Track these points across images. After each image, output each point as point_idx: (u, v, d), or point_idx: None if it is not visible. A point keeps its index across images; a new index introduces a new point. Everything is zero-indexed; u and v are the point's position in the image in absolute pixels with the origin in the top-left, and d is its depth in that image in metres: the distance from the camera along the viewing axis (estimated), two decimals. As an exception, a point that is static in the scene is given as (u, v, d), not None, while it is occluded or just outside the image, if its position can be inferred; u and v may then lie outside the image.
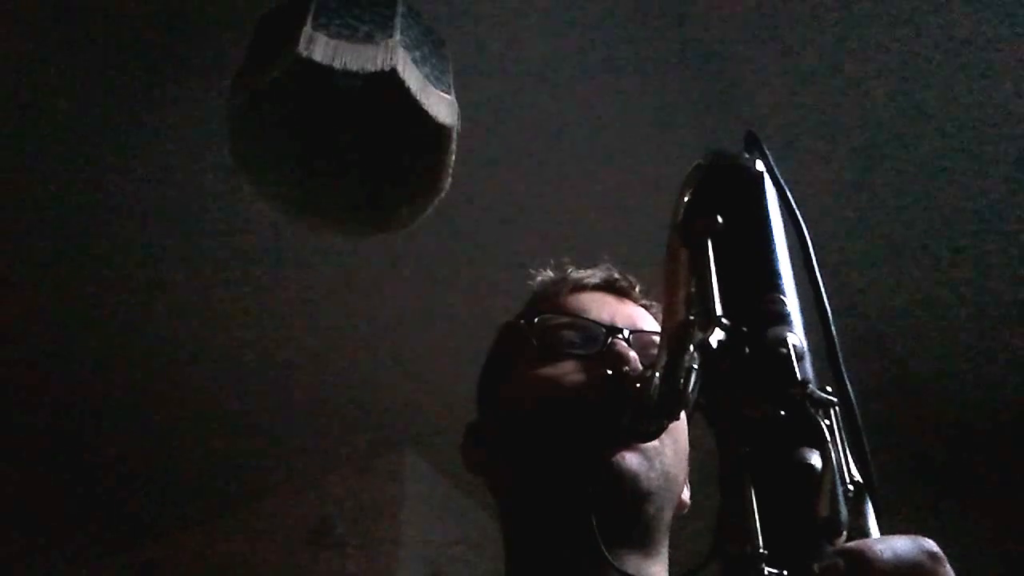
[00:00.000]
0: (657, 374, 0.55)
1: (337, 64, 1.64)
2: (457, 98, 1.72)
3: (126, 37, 1.90)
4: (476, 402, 0.93)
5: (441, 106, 1.72)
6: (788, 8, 1.85)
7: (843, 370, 0.52)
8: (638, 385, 0.63)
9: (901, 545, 0.45)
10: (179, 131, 2.07)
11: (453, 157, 1.75)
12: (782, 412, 0.49)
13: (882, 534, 0.48)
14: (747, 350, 0.52)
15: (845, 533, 0.46)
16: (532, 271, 0.94)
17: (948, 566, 0.46)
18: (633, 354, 0.78)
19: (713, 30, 1.89)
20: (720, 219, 0.58)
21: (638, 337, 0.81)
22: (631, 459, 0.74)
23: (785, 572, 0.45)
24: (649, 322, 0.86)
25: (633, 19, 1.88)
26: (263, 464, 2.82)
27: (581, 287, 0.89)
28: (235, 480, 2.85)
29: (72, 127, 2.06)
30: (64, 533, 3.05)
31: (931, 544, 0.46)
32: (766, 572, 0.45)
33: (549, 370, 0.81)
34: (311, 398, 2.66)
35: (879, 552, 0.44)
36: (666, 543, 0.80)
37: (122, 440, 2.79)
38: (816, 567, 0.44)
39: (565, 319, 0.84)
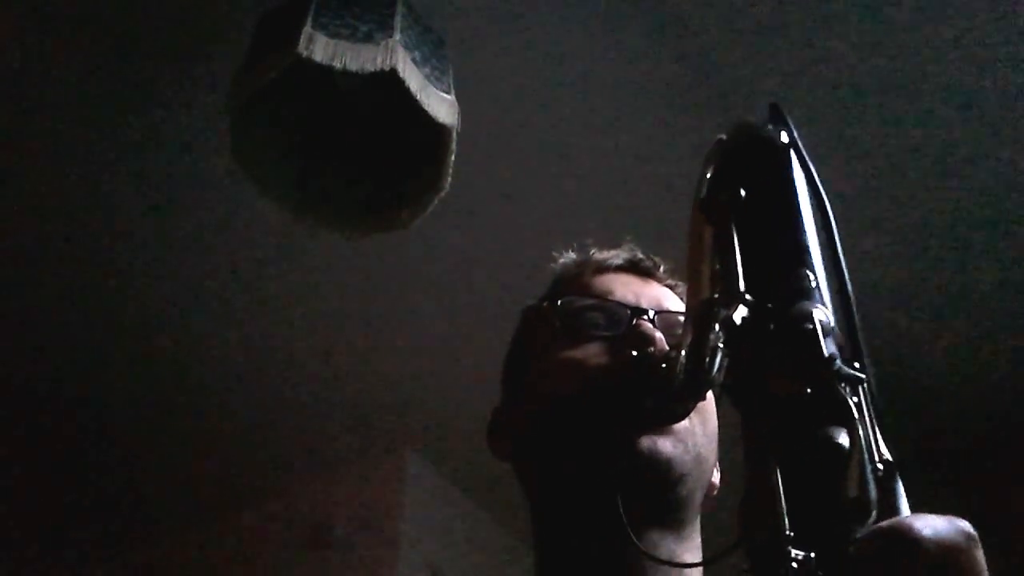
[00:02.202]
0: (682, 354, 0.54)
1: (337, 64, 1.64)
2: (457, 98, 1.72)
3: (126, 37, 1.90)
4: (501, 386, 0.91)
5: (441, 106, 1.72)
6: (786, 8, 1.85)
7: (863, 347, 0.51)
8: (663, 366, 0.61)
9: (940, 525, 0.44)
10: (179, 131, 2.06)
11: (453, 157, 1.75)
12: (808, 390, 0.48)
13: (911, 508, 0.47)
14: (772, 327, 0.51)
15: (875, 513, 0.45)
16: (555, 253, 0.93)
17: (980, 548, 0.45)
18: (659, 335, 0.77)
19: (712, 25, 1.89)
20: (743, 193, 0.56)
21: (663, 317, 0.80)
22: (663, 443, 0.73)
23: (812, 554, 0.44)
24: (674, 302, 0.85)
25: (632, 16, 1.88)
26: (263, 464, 2.81)
27: (604, 268, 0.88)
28: (235, 480, 2.84)
29: (72, 127, 2.05)
30: (64, 533, 3.03)
31: (967, 525, 0.45)
32: (793, 554, 0.44)
33: (574, 353, 0.79)
34: (311, 398, 2.65)
35: (919, 531, 0.43)
36: (697, 525, 0.79)
37: (122, 440, 2.78)
38: (853, 547, 0.43)
39: (589, 301, 0.83)
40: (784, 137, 0.59)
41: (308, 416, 2.70)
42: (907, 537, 0.43)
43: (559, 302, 0.84)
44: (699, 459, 0.76)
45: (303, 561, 2.70)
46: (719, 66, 1.95)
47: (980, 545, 0.45)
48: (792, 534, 0.45)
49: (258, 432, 2.74)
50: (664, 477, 0.73)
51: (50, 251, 2.31)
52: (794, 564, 0.44)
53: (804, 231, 0.56)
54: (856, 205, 2.16)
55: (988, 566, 0.45)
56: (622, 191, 2.19)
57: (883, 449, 0.48)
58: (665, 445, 0.73)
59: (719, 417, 0.81)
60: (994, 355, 2.48)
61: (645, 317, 0.79)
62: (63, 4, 1.85)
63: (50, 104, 2.01)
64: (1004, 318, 2.40)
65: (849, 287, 0.53)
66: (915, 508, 0.46)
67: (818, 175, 0.58)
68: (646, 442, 0.72)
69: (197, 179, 2.15)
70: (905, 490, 0.46)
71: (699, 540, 0.79)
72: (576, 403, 0.77)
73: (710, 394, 0.65)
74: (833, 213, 0.57)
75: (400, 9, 1.73)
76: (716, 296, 0.54)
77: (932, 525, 0.44)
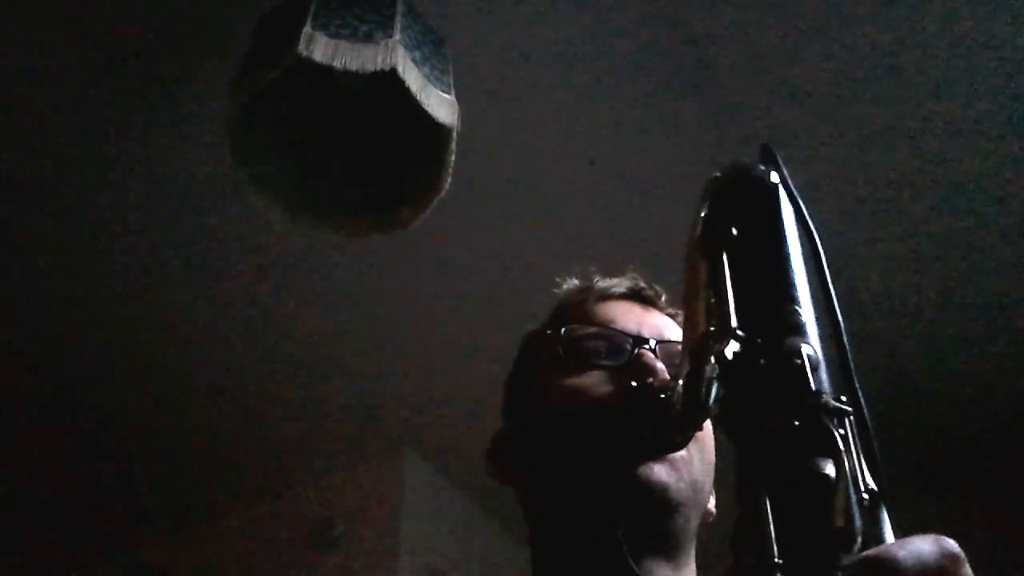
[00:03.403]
0: (680, 384, 0.55)
1: (337, 64, 1.64)
2: (457, 98, 1.72)
3: (126, 37, 1.90)
4: (501, 411, 0.92)
5: (441, 106, 1.72)
6: (791, 23, 1.85)
7: (855, 380, 0.52)
8: (662, 396, 0.62)
9: (923, 548, 0.45)
10: (179, 131, 2.06)
11: (453, 157, 1.75)
12: (796, 422, 0.49)
13: (896, 536, 0.47)
14: (762, 361, 0.52)
15: (860, 541, 0.46)
16: (557, 279, 0.94)
17: (967, 566, 0.46)
18: (660, 365, 0.78)
19: (715, 26, 1.89)
20: (735, 230, 0.58)
21: (664, 347, 0.81)
22: (659, 471, 0.74)
23: None
24: (675, 331, 0.86)
25: (634, 19, 1.88)
26: (263, 464, 2.82)
27: (607, 296, 0.89)
28: (235, 480, 2.85)
29: (72, 127, 2.05)
30: (64, 533, 3.04)
31: (952, 544, 0.46)
32: (781, 582, 0.45)
33: (576, 380, 0.80)
34: (312, 398, 2.66)
35: (903, 558, 0.44)
36: (693, 553, 0.80)
37: (122, 440, 2.79)
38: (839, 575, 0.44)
39: (592, 329, 0.84)
40: (774, 177, 0.60)
41: (308, 416, 2.71)
42: (888, 566, 0.44)
43: (562, 330, 0.85)
44: (695, 487, 0.77)
45: (303, 561, 2.72)
46: (721, 67, 1.95)
47: (965, 563, 0.46)
48: (780, 561, 0.45)
49: (258, 432, 2.75)
50: (661, 505, 0.74)
51: (51, 251, 2.31)
52: (782, 592, 0.45)
53: (793, 268, 0.57)
54: (856, 215, 2.17)
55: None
56: (622, 190, 2.19)
57: (868, 479, 0.49)
58: (661, 473, 0.74)
59: (717, 446, 0.82)
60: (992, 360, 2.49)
61: (647, 347, 0.80)
62: (63, 5, 1.85)
63: (49, 106, 2.02)
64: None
65: (840, 321, 0.54)
66: (904, 524, 0.47)
67: (807, 208, 0.59)
68: (643, 470, 0.73)
69: (197, 179, 2.16)
70: (896, 509, 0.47)
71: (694, 567, 0.80)
72: (577, 431, 0.78)
73: (708, 424, 0.66)
74: (823, 244, 0.58)
75: (400, 9, 1.72)
76: (712, 329, 0.56)
77: (915, 551, 0.44)
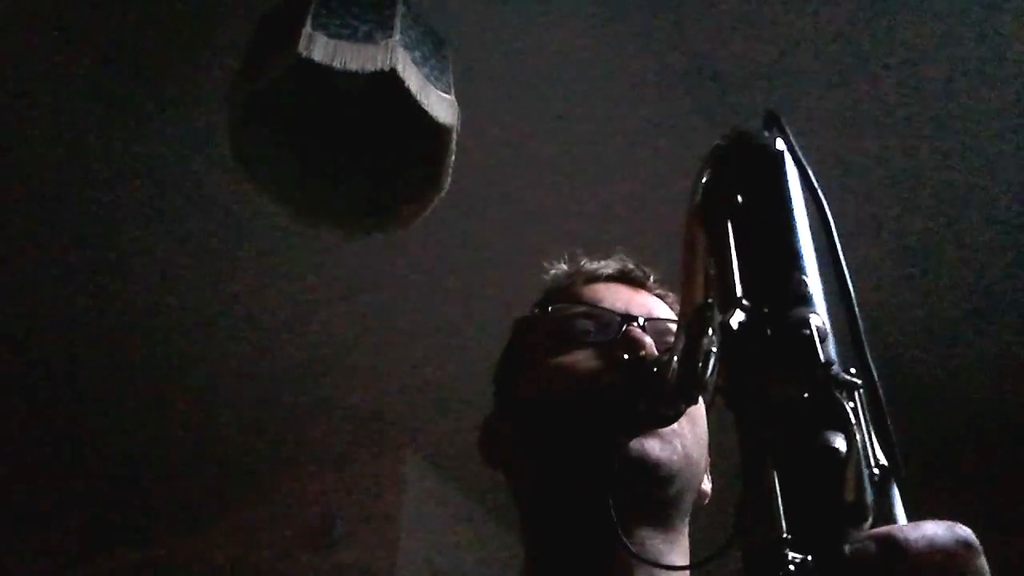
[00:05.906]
0: (675, 358, 0.54)
1: (337, 64, 1.64)
2: (457, 98, 1.72)
3: (126, 37, 1.90)
4: (492, 396, 0.92)
5: (441, 106, 1.72)
6: (789, 14, 1.86)
7: (867, 351, 0.51)
8: (655, 369, 0.62)
9: (935, 532, 0.44)
10: (179, 131, 2.06)
11: (453, 157, 1.75)
12: (805, 395, 0.48)
13: (909, 518, 0.47)
14: (769, 332, 0.51)
15: (871, 518, 0.45)
16: (546, 264, 0.93)
17: (982, 556, 0.44)
18: (648, 339, 0.77)
19: (712, 28, 1.89)
20: (739, 198, 0.57)
21: (653, 324, 0.81)
22: (651, 445, 0.74)
23: (809, 557, 0.44)
24: (665, 311, 0.86)
25: (633, 19, 1.88)
26: (263, 464, 2.81)
27: (595, 277, 0.89)
28: (235, 480, 2.85)
29: (72, 128, 2.05)
30: (64, 533, 3.04)
31: (966, 531, 0.44)
32: (790, 557, 0.44)
33: (565, 358, 0.80)
34: (312, 398, 2.66)
35: (913, 539, 0.43)
36: (686, 529, 0.80)
37: (122, 440, 2.78)
38: (847, 549, 0.43)
39: (579, 308, 0.84)
40: (780, 143, 0.59)
41: (308, 416, 2.70)
42: (898, 544, 0.43)
43: (549, 309, 0.85)
44: (688, 460, 0.77)
45: (303, 560, 2.71)
46: (722, 67, 1.95)
47: (981, 553, 0.44)
48: (789, 537, 0.45)
49: (258, 432, 2.74)
50: (653, 478, 0.74)
51: (50, 251, 2.31)
52: (791, 567, 0.44)
53: (799, 237, 0.56)
54: (854, 210, 2.17)
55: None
56: (622, 190, 2.19)
57: (879, 454, 0.48)
58: (654, 448, 0.74)
59: (713, 424, 0.81)
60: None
61: (635, 323, 0.80)
62: (64, 5, 1.85)
63: (49, 106, 2.01)
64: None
65: (852, 290, 0.53)
66: (914, 511, 0.46)
67: (817, 181, 0.58)
68: (635, 445, 0.73)
69: (198, 180, 2.16)
70: (910, 493, 0.47)
71: (687, 544, 0.80)
72: (567, 406, 0.78)
73: (700, 399, 0.66)
74: (832, 217, 0.57)
75: (400, 9, 1.73)
76: (710, 301, 0.55)
77: (927, 534, 0.43)
